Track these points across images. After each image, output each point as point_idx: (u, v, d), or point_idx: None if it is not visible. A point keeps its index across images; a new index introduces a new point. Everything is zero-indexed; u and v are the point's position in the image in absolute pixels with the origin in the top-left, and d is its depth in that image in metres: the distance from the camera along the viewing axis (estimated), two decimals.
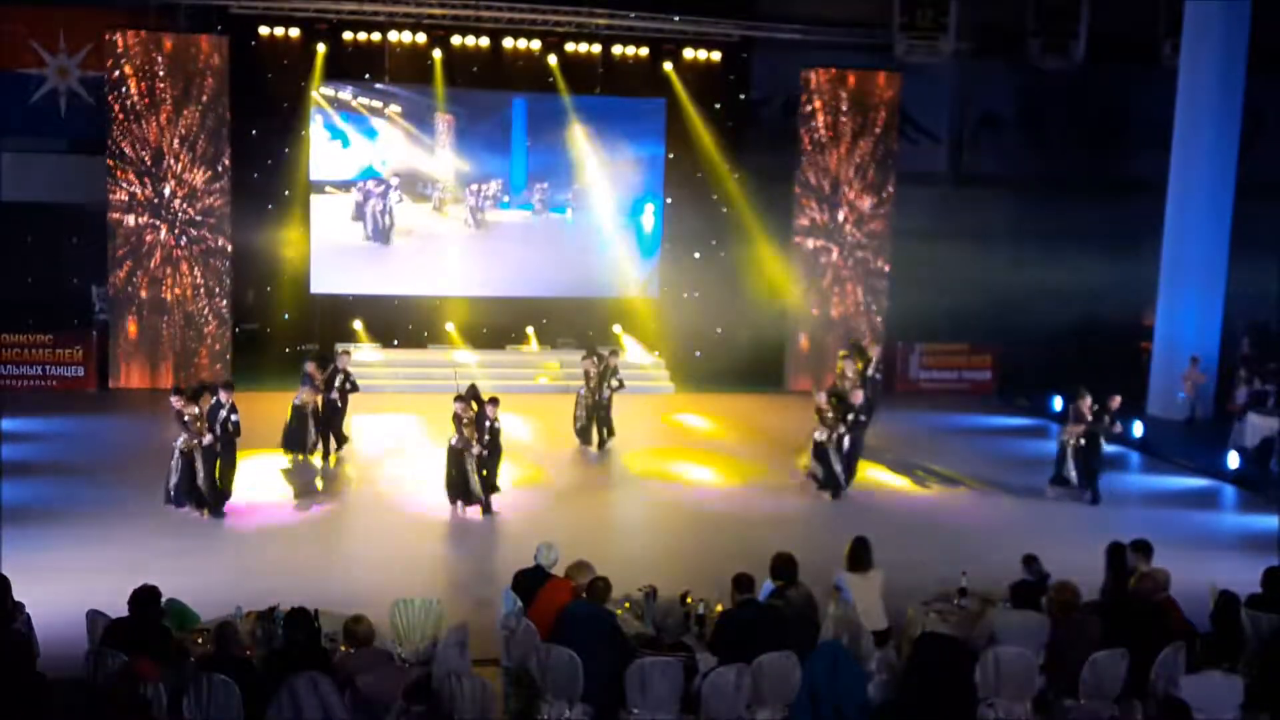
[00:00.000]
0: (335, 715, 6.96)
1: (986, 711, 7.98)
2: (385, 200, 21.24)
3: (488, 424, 13.70)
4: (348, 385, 15.77)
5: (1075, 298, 22.01)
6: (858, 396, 15.17)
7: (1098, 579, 9.46)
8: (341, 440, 15.97)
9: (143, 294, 19.87)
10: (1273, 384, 19.12)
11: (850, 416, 14.77)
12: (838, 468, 14.76)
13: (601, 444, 16.90)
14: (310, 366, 15.76)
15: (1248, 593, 9.06)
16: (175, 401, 13.26)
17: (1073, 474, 15.13)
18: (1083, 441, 14.98)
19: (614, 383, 16.81)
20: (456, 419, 13.69)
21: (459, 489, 13.69)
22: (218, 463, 13.20)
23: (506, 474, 14.49)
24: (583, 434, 16.96)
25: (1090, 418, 14.91)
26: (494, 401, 13.93)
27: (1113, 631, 8.22)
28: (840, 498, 14.82)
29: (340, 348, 17.58)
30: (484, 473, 13.67)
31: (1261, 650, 8.49)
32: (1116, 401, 15.01)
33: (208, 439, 13.04)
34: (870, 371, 17.40)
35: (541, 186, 21.87)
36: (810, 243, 21.96)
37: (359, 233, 21.23)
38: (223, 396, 13.27)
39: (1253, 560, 10.88)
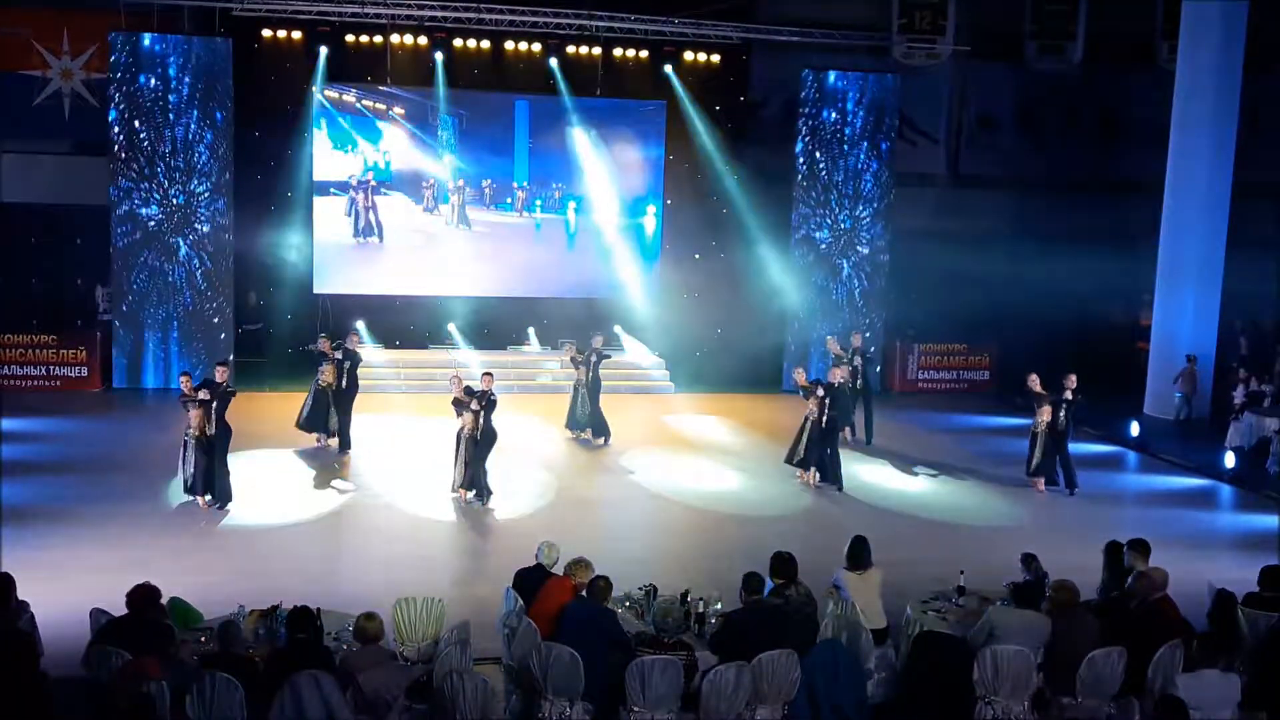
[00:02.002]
0: (338, 714, 6.99)
1: (985, 710, 8.02)
2: (370, 197, 21.26)
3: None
4: (348, 363, 16.01)
5: (1072, 298, 22.06)
6: (835, 375, 15.47)
7: (1095, 578, 9.53)
8: (346, 444, 16.07)
9: (146, 295, 19.93)
10: (1269, 384, 19.18)
11: (828, 397, 14.99)
12: (813, 447, 15.04)
13: (603, 436, 17.13)
14: (322, 343, 16.15)
15: (1245, 591, 9.11)
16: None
17: (1037, 456, 15.29)
18: (1060, 424, 15.11)
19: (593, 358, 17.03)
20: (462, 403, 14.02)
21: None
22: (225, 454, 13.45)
23: (507, 474, 14.58)
24: (574, 423, 17.29)
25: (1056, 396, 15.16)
26: (487, 375, 14.43)
27: (1110, 630, 8.27)
28: (839, 487, 15.07)
29: (351, 332, 17.53)
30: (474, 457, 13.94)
31: (1258, 649, 8.52)
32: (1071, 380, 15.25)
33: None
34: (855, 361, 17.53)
35: (542, 188, 21.93)
36: (809, 243, 22.03)
37: (350, 231, 21.27)
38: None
39: (1249, 559, 11.01)
